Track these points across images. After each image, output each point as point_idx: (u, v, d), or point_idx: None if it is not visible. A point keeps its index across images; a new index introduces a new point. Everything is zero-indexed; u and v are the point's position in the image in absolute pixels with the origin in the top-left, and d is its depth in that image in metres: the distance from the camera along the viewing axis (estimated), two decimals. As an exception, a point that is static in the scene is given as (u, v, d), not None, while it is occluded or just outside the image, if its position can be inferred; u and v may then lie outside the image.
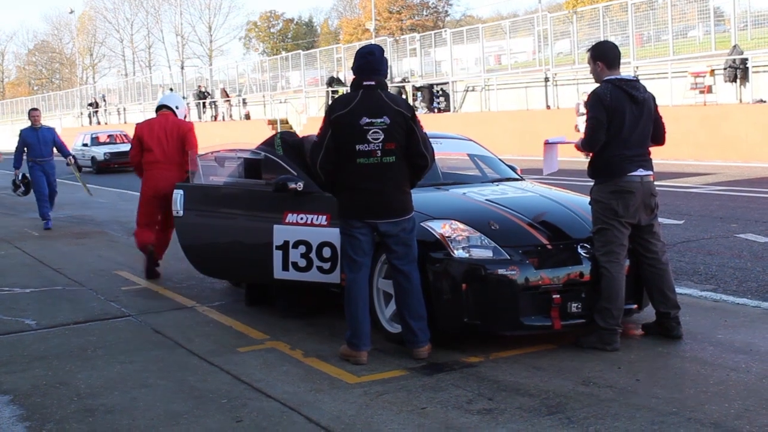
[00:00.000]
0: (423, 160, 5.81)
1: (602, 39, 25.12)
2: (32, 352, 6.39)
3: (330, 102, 5.94)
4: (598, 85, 6.06)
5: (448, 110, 31.77)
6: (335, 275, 6.47)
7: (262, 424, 4.72)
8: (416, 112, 5.98)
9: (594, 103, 5.95)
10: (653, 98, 6.13)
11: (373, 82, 5.75)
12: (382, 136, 5.64)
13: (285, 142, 7.26)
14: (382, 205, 5.69)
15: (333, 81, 36.42)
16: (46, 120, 72.43)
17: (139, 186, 9.30)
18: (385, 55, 5.93)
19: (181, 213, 7.91)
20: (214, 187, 7.91)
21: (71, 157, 14.67)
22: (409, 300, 5.73)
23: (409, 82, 33.30)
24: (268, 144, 7.39)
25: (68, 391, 5.42)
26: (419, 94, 31.97)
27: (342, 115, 5.67)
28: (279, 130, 8.66)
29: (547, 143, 6.93)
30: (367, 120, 5.62)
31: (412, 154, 5.77)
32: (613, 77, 6.01)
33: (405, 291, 5.74)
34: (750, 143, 19.93)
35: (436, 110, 31.67)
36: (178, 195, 7.95)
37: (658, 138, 6.17)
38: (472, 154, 8.09)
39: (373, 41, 41.96)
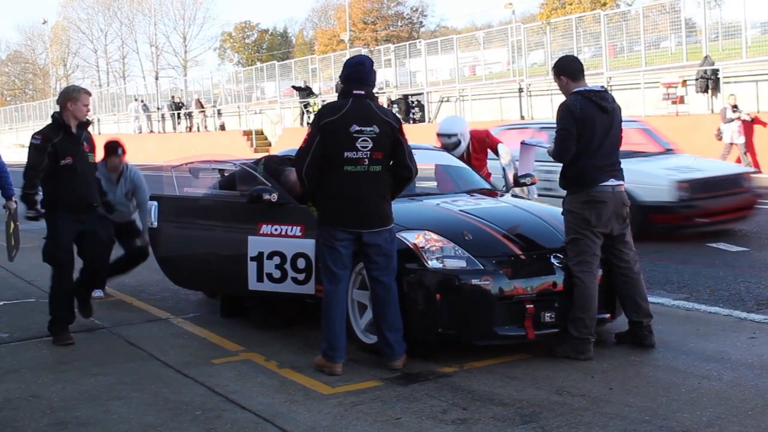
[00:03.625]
0: (408, 172, 5.84)
1: (575, 49, 25.41)
2: (4, 365, 6.33)
3: (318, 110, 5.96)
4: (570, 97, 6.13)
5: (423, 121, 31.84)
6: (310, 286, 6.47)
7: (236, 436, 4.72)
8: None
9: (563, 114, 6.01)
10: (619, 109, 6.20)
11: (362, 92, 5.79)
12: (370, 145, 5.67)
13: (268, 166, 7.28)
14: (366, 214, 5.71)
15: (300, 89, 36.37)
16: (20, 132, 69.93)
17: None
18: (374, 67, 5.97)
19: (155, 224, 7.89)
20: (189, 198, 7.89)
21: (13, 199, 8.72)
22: (387, 312, 5.74)
23: (384, 92, 33.34)
24: (254, 164, 7.44)
25: (41, 404, 5.39)
26: (395, 105, 31.98)
27: (331, 121, 5.68)
28: (266, 155, 8.54)
29: (523, 144, 7.00)
30: (357, 128, 5.65)
31: (398, 165, 5.81)
32: (581, 89, 6.08)
33: (383, 302, 5.75)
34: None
35: (411, 121, 31.72)
36: (152, 206, 7.92)
37: None
38: (445, 164, 8.13)
39: (348, 52, 42.02)
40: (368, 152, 5.67)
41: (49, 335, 6.94)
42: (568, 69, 6.18)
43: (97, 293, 8.26)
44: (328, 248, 5.76)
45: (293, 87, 37.35)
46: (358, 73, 5.84)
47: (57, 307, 6.98)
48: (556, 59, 6.48)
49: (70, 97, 6.94)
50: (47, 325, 7.00)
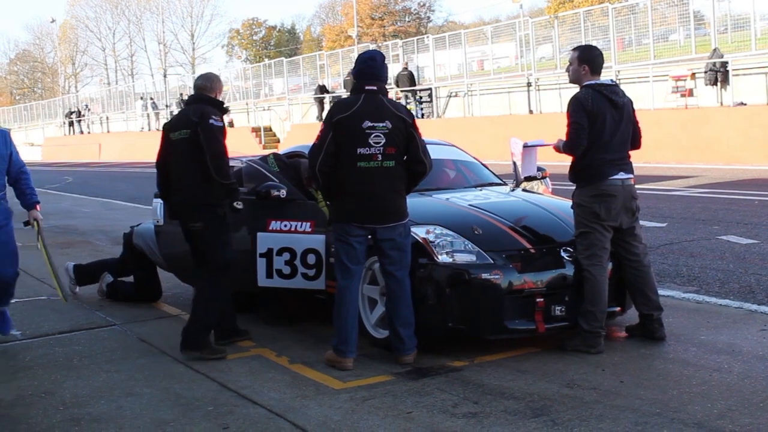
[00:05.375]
0: (422, 167, 5.85)
1: (584, 43, 25.31)
2: (17, 362, 6.37)
3: (331, 107, 5.96)
4: (579, 88, 6.13)
5: (432, 116, 31.81)
6: (320, 282, 6.49)
7: (248, 431, 4.73)
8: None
9: (575, 108, 6.00)
10: (631, 103, 6.20)
11: (374, 87, 5.80)
12: (383, 141, 5.68)
13: (279, 159, 7.33)
14: (380, 209, 5.72)
15: (322, 89, 36.35)
16: (29, 130, 70.12)
17: None
18: (385, 62, 5.98)
19: (161, 222, 7.92)
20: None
21: (36, 209, 7.06)
22: (400, 306, 5.75)
23: (393, 88, 33.31)
24: (260, 160, 7.46)
25: (54, 400, 5.41)
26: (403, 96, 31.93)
27: (344, 118, 5.70)
28: (271, 152, 8.46)
29: (526, 146, 7.03)
30: (370, 124, 5.66)
31: (412, 160, 5.82)
32: (593, 82, 6.07)
33: (396, 297, 5.76)
34: (731, 146, 20.07)
35: (421, 116, 31.68)
36: (157, 204, 7.95)
37: (635, 142, 6.24)
38: (455, 159, 8.13)
39: (355, 48, 41.99)
40: (381, 148, 5.68)
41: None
42: (593, 61, 6.15)
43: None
44: (342, 244, 5.77)
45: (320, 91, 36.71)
46: (369, 69, 5.85)
47: (213, 314, 6.31)
48: (583, 45, 6.46)
49: (220, 86, 6.54)
50: (191, 341, 6.21)
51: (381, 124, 5.68)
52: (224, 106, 6.46)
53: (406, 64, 32.46)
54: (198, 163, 6.16)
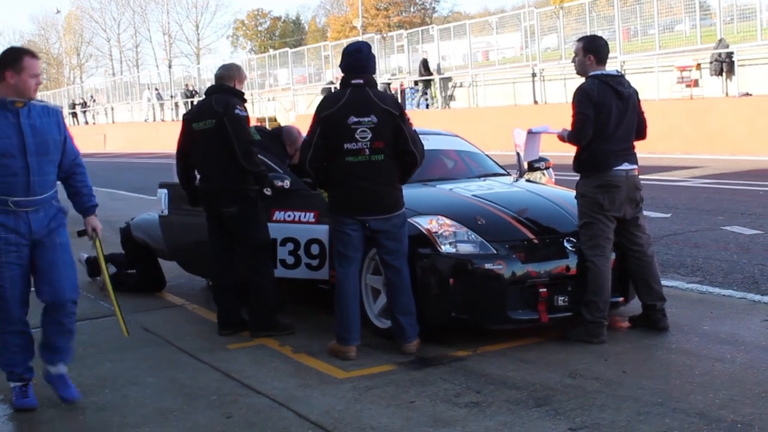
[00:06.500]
0: (412, 158, 5.84)
1: (589, 33, 25.21)
2: (22, 351, 6.37)
3: (320, 101, 5.98)
4: (584, 79, 6.13)
5: (437, 106, 31.76)
6: (324, 272, 6.50)
7: (251, 420, 4.76)
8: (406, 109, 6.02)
9: (581, 98, 6.00)
10: (636, 93, 6.19)
11: (361, 81, 5.79)
12: (369, 135, 5.67)
13: (260, 129, 7.39)
14: (372, 201, 5.73)
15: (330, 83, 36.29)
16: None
17: None
18: (372, 52, 5.96)
19: (165, 212, 7.94)
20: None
21: (94, 215, 5.52)
22: (399, 295, 5.76)
23: (397, 78, 33.24)
24: None
25: (58, 389, 5.43)
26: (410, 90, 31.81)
27: (330, 114, 5.71)
28: (252, 125, 8.35)
29: (530, 132, 7.03)
30: (355, 119, 5.66)
31: (401, 153, 5.80)
32: (598, 72, 6.07)
33: (395, 286, 5.77)
34: (736, 136, 20.00)
35: (426, 107, 31.62)
36: (162, 194, 7.97)
37: (641, 132, 6.24)
38: (458, 150, 8.12)
39: (360, 38, 41.86)
40: (368, 142, 5.68)
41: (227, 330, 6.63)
42: (599, 51, 6.14)
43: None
44: (338, 232, 5.81)
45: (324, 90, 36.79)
46: (356, 61, 5.84)
47: (274, 294, 6.55)
48: (589, 35, 6.46)
49: (241, 76, 6.65)
50: (263, 324, 6.47)
51: (366, 119, 5.68)
52: (243, 95, 6.60)
53: (426, 54, 32.27)
54: (225, 151, 6.36)
